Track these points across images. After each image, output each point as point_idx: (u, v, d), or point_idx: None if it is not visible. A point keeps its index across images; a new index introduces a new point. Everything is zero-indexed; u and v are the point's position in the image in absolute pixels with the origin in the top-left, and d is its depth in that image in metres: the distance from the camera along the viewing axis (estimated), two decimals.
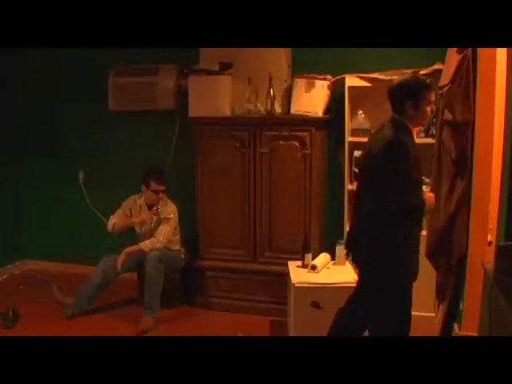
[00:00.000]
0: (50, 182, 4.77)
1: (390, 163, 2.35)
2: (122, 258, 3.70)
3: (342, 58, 3.65)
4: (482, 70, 2.81)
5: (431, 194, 2.65)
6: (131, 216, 3.95)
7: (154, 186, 3.80)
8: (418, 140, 2.86)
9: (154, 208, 3.88)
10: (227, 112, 3.80)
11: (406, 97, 2.42)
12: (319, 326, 3.06)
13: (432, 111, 2.51)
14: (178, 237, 3.96)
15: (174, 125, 4.25)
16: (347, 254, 2.82)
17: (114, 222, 3.90)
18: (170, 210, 3.87)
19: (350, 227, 2.78)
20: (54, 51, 3.51)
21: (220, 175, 3.84)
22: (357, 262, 2.72)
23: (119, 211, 3.96)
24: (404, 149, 2.35)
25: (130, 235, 3.99)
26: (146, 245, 3.75)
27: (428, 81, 2.58)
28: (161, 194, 3.84)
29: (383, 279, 2.46)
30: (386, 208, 2.37)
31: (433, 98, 2.49)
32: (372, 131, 3.60)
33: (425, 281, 2.78)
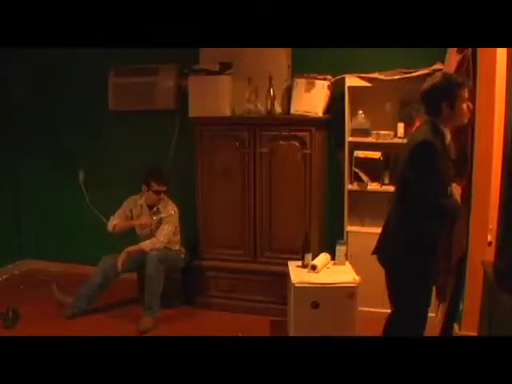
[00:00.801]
0: (49, 182, 4.77)
1: (415, 162, 2.36)
2: (122, 257, 3.70)
3: (342, 58, 3.65)
4: (482, 70, 2.81)
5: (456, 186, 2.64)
6: (132, 216, 3.95)
7: (155, 186, 3.80)
8: None
9: (155, 208, 3.88)
10: (227, 112, 3.80)
11: (441, 98, 2.38)
12: (319, 326, 3.07)
13: (469, 107, 2.45)
14: (178, 237, 3.96)
15: (174, 125, 4.25)
16: (376, 252, 2.72)
17: (114, 223, 3.90)
18: (171, 210, 3.87)
19: (384, 226, 2.73)
20: (54, 51, 3.52)
21: (220, 175, 3.84)
22: (385, 261, 2.66)
23: (119, 211, 3.95)
24: (431, 148, 2.33)
25: (130, 235, 3.98)
26: (146, 245, 3.75)
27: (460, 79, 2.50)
28: (162, 195, 3.84)
29: (403, 278, 2.50)
30: (411, 207, 2.41)
31: (466, 94, 2.43)
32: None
33: None
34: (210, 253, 3.96)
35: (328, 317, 3.10)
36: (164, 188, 3.82)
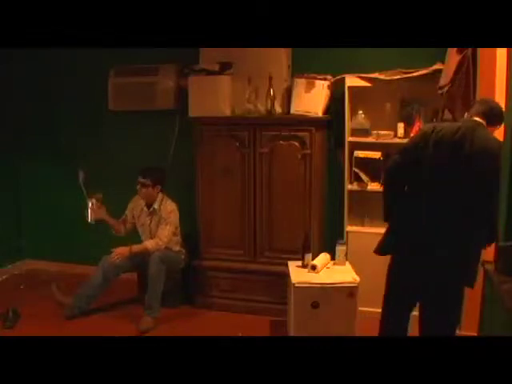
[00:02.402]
0: (49, 182, 4.78)
1: (500, 165, 2.44)
2: (126, 251, 3.72)
3: (341, 58, 3.65)
4: (482, 70, 2.81)
5: None
6: (133, 216, 4.00)
7: (139, 178, 3.83)
8: None
9: (151, 208, 3.89)
10: (227, 112, 3.80)
11: (502, 118, 2.61)
12: (319, 325, 3.07)
13: None
14: (178, 237, 3.96)
15: (173, 125, 4.24)
16: (383, 247, 2.72)
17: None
18: (169, 208, 3.87)
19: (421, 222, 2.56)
20: (54, 51, 3.51)
21: (220, 175, 3.84)
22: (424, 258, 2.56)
23: (125, 214, 4.03)
24: None
25: (134, 237, 4.01)
26: (151, 243, 3.76)
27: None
28: (150, 189, 3.83)
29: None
30: (495, 209, 2.44)
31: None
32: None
33: None
34: (210, 253, 3.96)
35: (328, 317, 3.10)
36: (143, 180, 3.81)
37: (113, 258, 3.71)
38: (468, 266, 2.48)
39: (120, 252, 3.73)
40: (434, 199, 2.49)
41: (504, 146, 2.73)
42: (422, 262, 2.54)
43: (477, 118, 2.53)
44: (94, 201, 3.83)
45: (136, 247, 3.78)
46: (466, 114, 2.74)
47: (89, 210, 3.83)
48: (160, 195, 3.89)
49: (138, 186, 3.85)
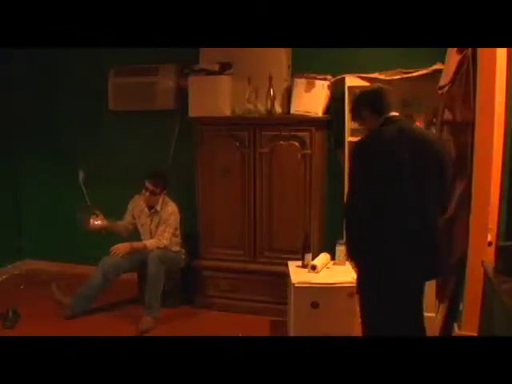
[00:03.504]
0: (49, 182, 4.78)
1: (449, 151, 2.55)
2: (127, 246, 3.74)
3: (341, 58, 3.65)
4: (482, 70, 2.80)
5: None
6: (133, 216, 4.02)
7: (146, 183, 3.84)
8: None
9: (153, 209, 3.89)
10: (227, 112, 3.80)
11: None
12: (319, 325, 3.07)
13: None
14: (178, 238, 3.97)
15: (174, 125, 4.25)
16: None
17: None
18: (170, 210, 3.87)
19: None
20: (54, 51, 3.52)
21: (220, 175, 3.84)
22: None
23: (126, 214, 4.04)
24: None
25: (133, 237, 4.01)
26: (150, 243, 3.77)
27: None
28: (158, 196, 3.85)
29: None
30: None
31: None
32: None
33: None
34: (210, 253, 3.97)
35: (328, 317, 3.10)
36: (154, 188, 3.82)
37: (114, 254, 3.72)
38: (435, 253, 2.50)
39: (121, 247, 3.74)
40: (398, 197, 2.41)
41: (504, 145, 2.73)
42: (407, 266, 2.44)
43: (396, 113, 2.54)
44: (96, 212, 3.89)
45: (136, 244, 3.81)
46: (367, 113, 2.62)
47: (91, 220, 3.88)
48: (162, 196, 3.90)
49: (147, 193, 3.84)
